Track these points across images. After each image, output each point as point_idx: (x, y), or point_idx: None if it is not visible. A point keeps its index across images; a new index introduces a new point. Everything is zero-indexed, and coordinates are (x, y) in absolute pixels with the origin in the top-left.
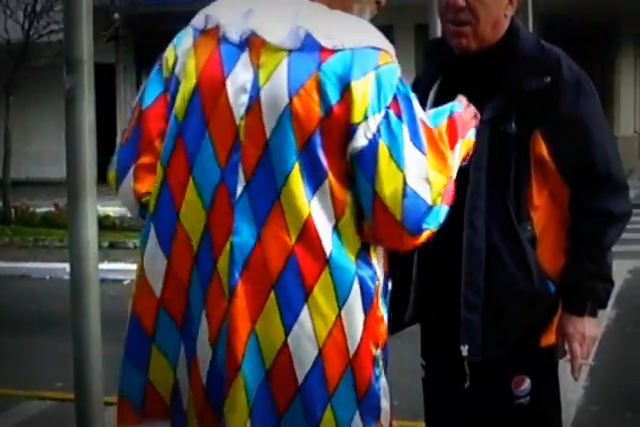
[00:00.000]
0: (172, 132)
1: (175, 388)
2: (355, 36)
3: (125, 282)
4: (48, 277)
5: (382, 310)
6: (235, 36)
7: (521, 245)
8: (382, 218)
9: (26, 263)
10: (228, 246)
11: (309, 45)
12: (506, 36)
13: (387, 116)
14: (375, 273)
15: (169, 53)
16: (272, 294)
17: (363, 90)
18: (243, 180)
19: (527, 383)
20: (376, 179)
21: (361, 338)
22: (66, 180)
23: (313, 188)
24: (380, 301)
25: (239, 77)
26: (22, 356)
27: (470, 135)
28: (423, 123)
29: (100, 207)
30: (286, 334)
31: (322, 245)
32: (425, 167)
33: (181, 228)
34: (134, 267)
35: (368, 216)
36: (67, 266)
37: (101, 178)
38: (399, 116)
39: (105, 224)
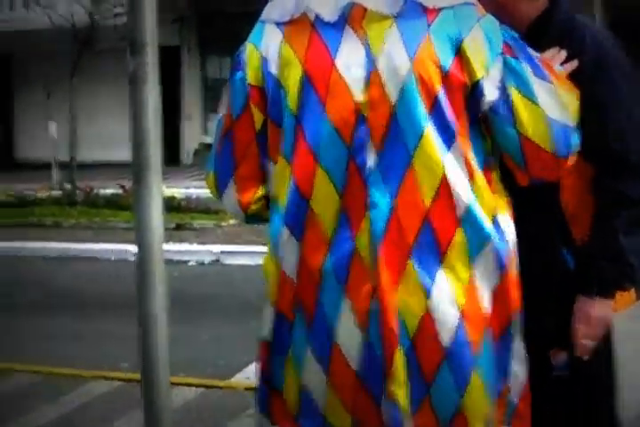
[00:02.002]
0: (289, 126)
1: (303, 393)
2: None
3: (190, 263)
4: (113, 259)
5: (516, 273)
6: (330, 15)
7: (546, 226)
8: (535, 155)
9: (91, 244)
10: (365, 222)
11: (411, 8)
12: (548, 9)
13: (505, 62)
14: (508, 236)
15: (250, 58)
16: (409, 261)
17: (475, 45)
18: (372, 153)
19: (564, 357)
20: (517, 121)
21: (495, 298)
22: (131, 161)
23: (446, 147)
24: (516, 262)
25: (349, 54)
26: (88, 337)
27: (559, 68)
28: (537, 56)
29: (166, 189)
30: (427, 299)
31: (456, 203)
32: (556, 93)
33: (313, 216)
34: (199, 248)
35: (519, 161)
36: (131, 247)
37: (167, 160)
38: (515, 58)
39: (170, 205)
